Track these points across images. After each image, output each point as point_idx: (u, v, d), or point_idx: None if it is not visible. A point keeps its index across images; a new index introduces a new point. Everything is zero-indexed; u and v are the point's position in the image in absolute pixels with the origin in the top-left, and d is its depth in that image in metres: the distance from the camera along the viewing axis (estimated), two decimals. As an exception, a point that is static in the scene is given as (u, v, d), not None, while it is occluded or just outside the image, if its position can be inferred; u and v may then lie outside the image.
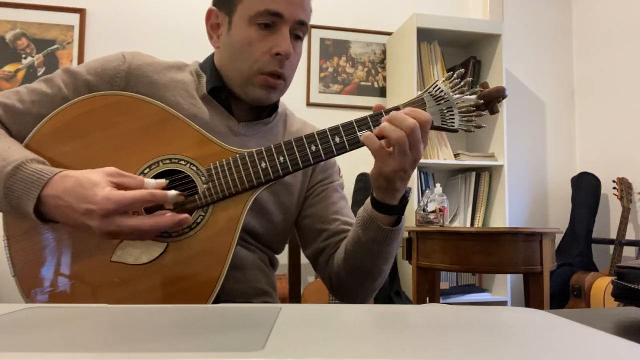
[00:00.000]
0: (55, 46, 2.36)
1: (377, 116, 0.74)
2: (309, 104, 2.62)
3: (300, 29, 0.83)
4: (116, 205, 0.62)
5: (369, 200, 0.79)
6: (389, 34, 2.70)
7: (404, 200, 0.77)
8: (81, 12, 2.39)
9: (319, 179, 0.94)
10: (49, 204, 0.66)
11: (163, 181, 0.69)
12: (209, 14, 0.86)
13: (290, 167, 0.74)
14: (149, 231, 0.65)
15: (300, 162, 0.73)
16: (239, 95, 0.85)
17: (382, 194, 0.75)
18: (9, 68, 2.31)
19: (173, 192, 0.68)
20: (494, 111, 0.79)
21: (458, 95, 0.76)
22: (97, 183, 0.64)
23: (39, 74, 2.33)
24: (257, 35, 0.80)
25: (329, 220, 0.91)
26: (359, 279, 0.85)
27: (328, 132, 0.74)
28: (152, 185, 0.68)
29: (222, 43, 0.85)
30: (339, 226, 0.90)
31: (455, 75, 0.76)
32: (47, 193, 0.65)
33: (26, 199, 0.65)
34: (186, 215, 0.67)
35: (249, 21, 0.80)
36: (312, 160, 0.73)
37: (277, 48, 0.79)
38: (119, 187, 0.66)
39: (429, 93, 0.75)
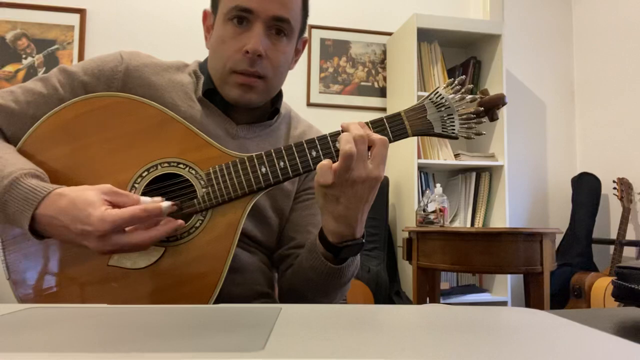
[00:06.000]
0: (55, 46, 2.36)
1: (378, 122, 0.74)
2: (309, 104, 2.62)
3: (279, 25, 0.79)
4: (111, 225, 0.61)
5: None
6: (389, 34, 2.70)
7: (350, 247, 0.72)
8: (81, 12, 2.39)
9: (308, 185, 0.92)
10: (43, 223, 0.65)
11: (158, 199, 0.68)
12: (204, 15, 0.86)
13: (290, 173, 0.73)
14: (146, 244, 0.65)
15: (300, 168, 0.73)
16: (222, 95, 0.83)
17: (330, 223, 0.71)
18: (9, 68, 2.31)
19: (166, 203, 0.66)
20: (493, 118, 0.80)
21: (458, 102, 0.76)
22: (91, 202, 0.63)
23: (39, 74, 2.33)
24: (230, 33, 0.78)
25: (302, 230, 0.88)
26: (296, 301, 0.82)
27: (328, 137, 0.73)
28: (147, 203, 0.66)
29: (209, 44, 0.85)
30: (308, 238, 0.86)
31: (456, 82, 0.77)
32: (42, 212, 0.64)
33: (20, 216, 0.65)
34: (180, 222, 0.67)
35: (223, 19, 0.79)
36: (312, 166, 0.73)
37: (246, 46, 0.77)
38: (114, 205, 0.65)
39: (430, 99, 0.76)
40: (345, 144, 0.65)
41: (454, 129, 0.76)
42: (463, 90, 0.77)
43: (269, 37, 0.79)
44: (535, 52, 2.93)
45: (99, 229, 0.61)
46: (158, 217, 0.66)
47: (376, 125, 0.73)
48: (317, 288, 0.79)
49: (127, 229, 0.64)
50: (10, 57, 2.32)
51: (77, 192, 0.65)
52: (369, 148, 0.68)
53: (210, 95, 0.84)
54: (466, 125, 0.76)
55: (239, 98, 0.81)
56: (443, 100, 0.76)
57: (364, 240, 0.74)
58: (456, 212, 2.59)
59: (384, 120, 0.74)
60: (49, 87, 0.79)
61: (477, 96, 0.79)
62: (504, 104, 0.78)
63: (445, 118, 0.75)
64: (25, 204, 0.64)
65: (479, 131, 0.77)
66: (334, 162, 0.68)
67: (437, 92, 0.76)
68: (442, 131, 0.75)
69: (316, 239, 0.76)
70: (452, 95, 0.76)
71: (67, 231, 0.63)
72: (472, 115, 0.77)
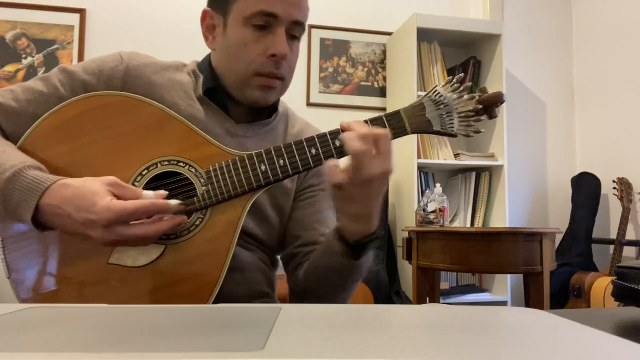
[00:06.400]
0: (55, 46, 2.36)
1: (377, 120, 0.74)
2: (309, 104, 2.62)
3: (296, 29, 0.81)
4: (117, 215, 0.62)
5: (336, 225, 0.76)
6: (389, 34, 2.70)
7: (366, 242, 0.73)
8: (81, 12, 2.39)
9: (311, 182, 0.92)
10: (47, 213, 0.65)
11: (162, 192, 0.68)
12: (204, 15, 0.86)
13: (290, 171, 0.73)
14: (149, 237, 0.65)
15: (300, 166, 0.73)
16: (236, 97, 0.84)
17: (346, 220, 0.72)
18: (9, 68, 2.31)
19: (175, 202, 0.67)
20: (492, 116, 0.80)
21: (457, 100, 0.76)
22: (96, 192, 0.63)
23: (39, 73, 2.33)
24: (252, 37, 0.79)
25: (308, 228, 0.89)
26: (314, 301, 0.83)
27: (328, 135, 0.73)
28: (151, 197, 0.67)
29: (217, 45, 0.85)
30: (315, 236, 0.87)
31: (454, 80, 0.77)
32: (46, 202, 0.64)
33: (24, 208, 0.65)
34: (183, 217, 0.68)
35: (243, 22, 0.79)
36: (312, 164, 0.73)
37: (272, 49, 0.78)
38: (118, 197, 0.65)
39: (429, 98, 0.76)
40: (354, 143, 0.65)
41: (453, 127, 0.76)
42: (462, 88, 0.77)
43: (286, 40, 0.80)
44: (535, 52, 2.93)
45: (104, 218, 0.61)
46: (164, 213, 0.66)
47: (375, 124, 0.74)
48: (336, 286, 0.79)
49: (132, 222, 0.64)
50: (10, 57, 2.32)
51: (81, 182, 0.65)
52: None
53: (210, 94, 0.85)
54: (465, 123, 0.77)
55: (260, 99, 0.82)
56: (442, 99, 0.76)
57: (379, 232, 0.74)
58: (456, 212, 2.59)
59: (383, 118, 0.74)
60: (49, 86, 0.79)
61: (476, 94, 0.79)
62: (502, 102, 0.79)
63: (444, 116, 0.76)
64: (29, 194, 0.65)
65: (478, 129, 0.77)
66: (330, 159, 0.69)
67: (436, 90, 0.76)
68: (442, 129, 0.76)
69: (333, 240, 0.75)
70: (451, 94, 0.76)
71: (71, 221, 0.63)
72: (471, 113, 0.77)
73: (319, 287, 0.81)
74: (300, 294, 0.87)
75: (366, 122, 0.73)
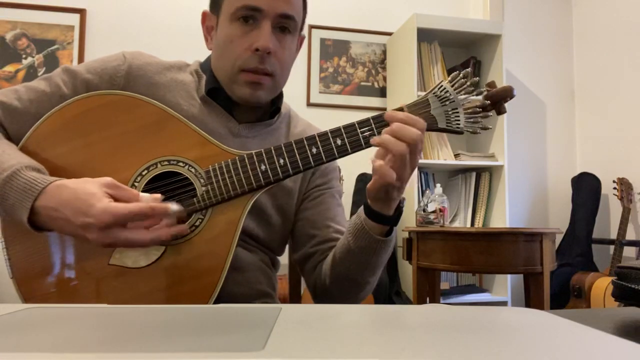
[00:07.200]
0: (55, 46, 2.36)
1: (379, 117, 0.73)
2: (309, 104, 2.62)
3: (285, 22, 0.80)
4: (114, 218, 0.61)
5: (361, 209, 0.78)
6: (389, 34, 2.70)
7: (398, 210, 0.76)
8: (81, 12, 2.39)
9: (317, 182, 0.93)
10: (43, 215, 0.64)
11: (158, 195, 0.68)
12: (203, 16, 0.87)
13: (290, 170, 0.73)
14: (146, 243, 0.65)
15: (300, 165, 0.73)
16: (229, 94, 0.84)
17: (379, 204, 0.74)
18: (9, 68, 2.31)
19: (175, 206, 0.66)
20: (500, 111, 0.77)
21: (463, 96, 0.74)
22: (93, 194, 0.63)
23: (39, 74, 2.33)
24: (238, 32, 0.79)
25: (321, 226, 0.89)
26: (344, 288, 0.84)
27: (329, 134, 0.73)
28: (147, 200, 0.66)
29: (213, 44, 0.85)
30: (330, 233, 0.89)
31: (460, 75, 0.74)
32: (41, 204, 0.64)
33: (19, 208, 0.65)
34: (184, 226, 0.68)
35: (230, 18, 0.79)
36: (312, 163, 0.73)
37: (256, 43, 0.77)
38: (114, 198, 0.65)
39: (434, 93, 0.74)
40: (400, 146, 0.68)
41: (459, 124, 0.74)
42: (468, 83, 0.74)
43: (274, 34, 0.79)
44: (535, 52, 2.93)
45: (102, 221, 0.61)
46: (164, 217, 0.66)
47: (377, 121, 0.73)
48: (367, 267, 0.80)
49: (129, 224, 0.64)
50: (10, 57, 2.32)
51: (78, 183, 0.65)
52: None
53: (213, 94, 0.85)
54: (472, 120, 0.74)
55: (249, 97, 0.81)
56: (447, 94, 0.73)
57: (402, 206, 0.79)
58: (456, 212, 2.59)
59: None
60: (52, 86, 0.79)
61: (484, 89, 0.77)
62: (512, 96, 0.76)
63: (449, 112, 0.74)
64: (24, 195, 0.64)
65: (485, 125, 0.75)
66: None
67: (442, 85, 0.74)
68: (447, 126, 0.74)
69: (363, 223, 0.77)
70: (457, 89, 0.74)
71: (68, 223, 0.63)
72: (478, 109, 0.75)
73: (349, 272, 0.81)
74: (327, 287, 0.86)
75: (369, 119, 0.73)
